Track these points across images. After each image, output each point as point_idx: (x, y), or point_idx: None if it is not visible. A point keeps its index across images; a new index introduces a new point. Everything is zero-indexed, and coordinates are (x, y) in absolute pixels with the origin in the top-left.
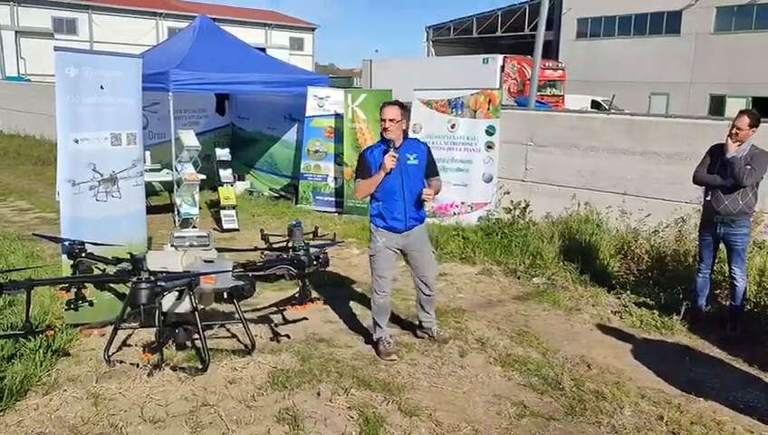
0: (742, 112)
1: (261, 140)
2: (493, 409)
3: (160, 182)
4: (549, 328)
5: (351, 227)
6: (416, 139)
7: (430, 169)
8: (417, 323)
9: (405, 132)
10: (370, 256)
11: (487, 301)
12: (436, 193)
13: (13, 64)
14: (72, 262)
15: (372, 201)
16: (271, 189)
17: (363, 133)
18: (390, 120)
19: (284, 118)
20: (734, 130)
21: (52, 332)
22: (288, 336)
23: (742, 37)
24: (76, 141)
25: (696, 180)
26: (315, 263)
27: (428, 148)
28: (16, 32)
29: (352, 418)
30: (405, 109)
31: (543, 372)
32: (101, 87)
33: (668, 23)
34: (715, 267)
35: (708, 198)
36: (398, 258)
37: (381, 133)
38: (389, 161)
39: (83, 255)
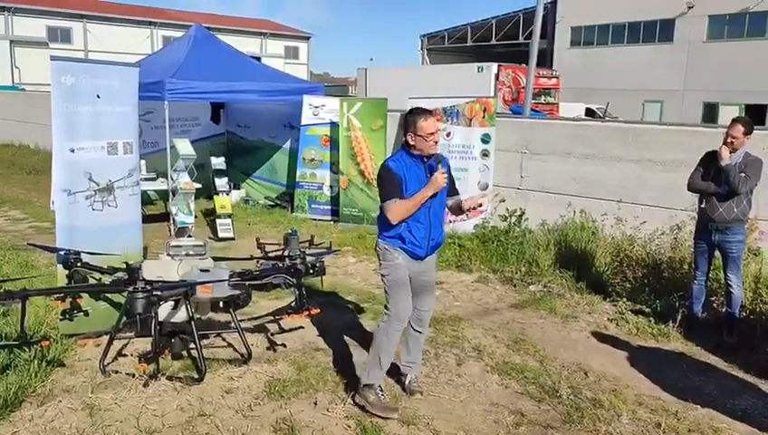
0: (735, 121)
1: (262, 148)
2: (490, 417)
3: (155, 191)
4: (545, 336)
5: (347, 236)
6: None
7: (452, 188)
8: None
9: None
10: (385, 275)
11: (484, 309)
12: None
13: (7, 73)
14: (67, 271)
15: (387, 221)
16: (266, 198)
17: (359, 141)
18: (437, 132)
19: (284, 126)
20: (729, 139)
21: (47, 342)
22: (284, 345)
23: (734, 45)
24: (72, 150)
25: (690, 188)
26: (311, 271)
27: (448, 162)
28: (11, 41)
29: (350, 427)
30: None
31: (540, 380)
32: (98, 96)
33: (662, 31)
34: (710, 274)
35: (703, 206)
36: None
37: (409, 145)
38: (443, 179)
39: (79, 264)
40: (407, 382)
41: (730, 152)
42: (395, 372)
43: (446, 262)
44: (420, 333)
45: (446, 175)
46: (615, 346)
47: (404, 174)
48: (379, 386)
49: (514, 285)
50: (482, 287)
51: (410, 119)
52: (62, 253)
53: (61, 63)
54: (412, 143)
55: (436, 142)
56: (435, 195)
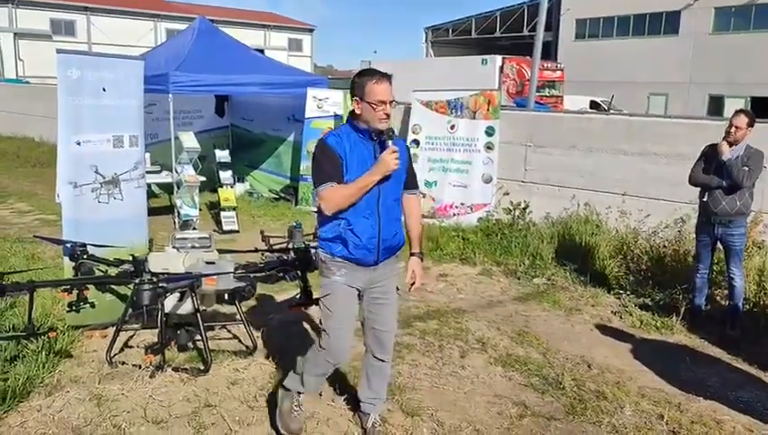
0: (738, 111)
1: (266, 141)
2: (494, 409)
3: (157, 184)
4: (549, 328)
5: None
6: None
7: (410, 179)
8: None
9: None
10: (323, 298)
11: (487, 301)
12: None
13: (11, 66)
14: (73, 264)
15: (324, 215)
16: (270, 191)
17: None
18: (390, 103)
19: (288, 119)
20: (731, 129)
21: (55, 333)
22: (289, 337)
23: (740, 37)
24: (78, 143)
25: (692, 182)
26: (316, 264)
27: (407, 146)
28: (15, 34)
29: (354, 418)
30: None
31: (544, 373)
32: (103, 89)
33: (667, 23)
34: (713, 267)
35: (705, 199)
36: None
37: (354, 118)
38: (393, 160)
39: (85, 256)
40: (368, 424)
41: (731, 144)
42: (356, 405)
43: (450, 255)
44: (383, 361)
45: (397, 156)
46: (618, 339)
47: (345, 153)
48: (297, 400)
49: (518, 278)
50: (486, 280)
51: (358, 81)
52: (68, 245)
53: (67, 57)
54: (358, 112)
55: (388, 115)
56: (385, 181)
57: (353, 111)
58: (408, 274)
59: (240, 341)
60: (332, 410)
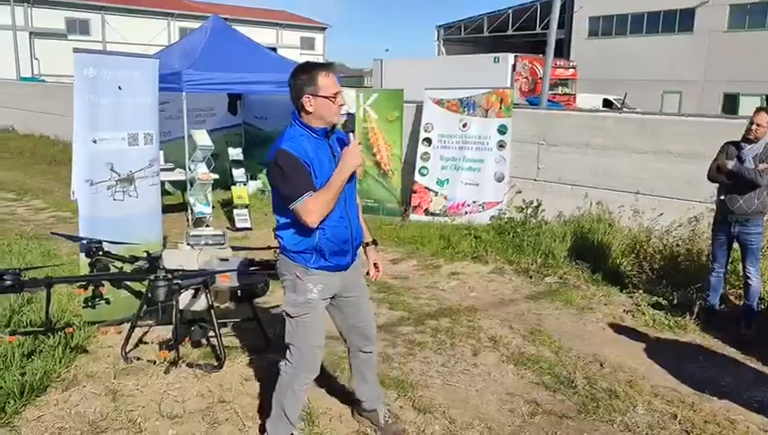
0: (759, 109)
1: None
2: (506, 407)
3: (171, 182)
4: (561, 327)
5: None
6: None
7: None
8: (355, 400)
9: None
10: (293, 317)
11: (499, 300)
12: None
13: (27, 65)
14: (89, 260)
15: (298, 228)
16: None
17: (374, 132)
18: (340, 93)
19: None
20: (753, 127)
21: (71, 329)
22: None
23: (755, 35)
24: (94, 141)
25: (710, 177)
26: None
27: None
28: (30, 33)
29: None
30: None
31: (556, 371)
32: (119, 88)
33: (681, 21)
34: (728, 267)
35: (722, 198)
36: None
37: (302, 115)
38: (359, 153)
39: (101, 253)
40: (381, 421)
41: (751, 142)
42: (355, 407)
43: (462, 253)
44: (370, 353)
45: (360, 148)
46: (631, 338)
47: (309, 158)
48: None
49: (530, 277)
50: (497, 278)
51: (305, 77)
52: (84, 242)
53: (84, 56)
54: (310, 110)
55: (342, 106)
56: (348, 178)
57: (302, 108)
58: (370, 265)
59: (253, 337)
60: (344, 406)
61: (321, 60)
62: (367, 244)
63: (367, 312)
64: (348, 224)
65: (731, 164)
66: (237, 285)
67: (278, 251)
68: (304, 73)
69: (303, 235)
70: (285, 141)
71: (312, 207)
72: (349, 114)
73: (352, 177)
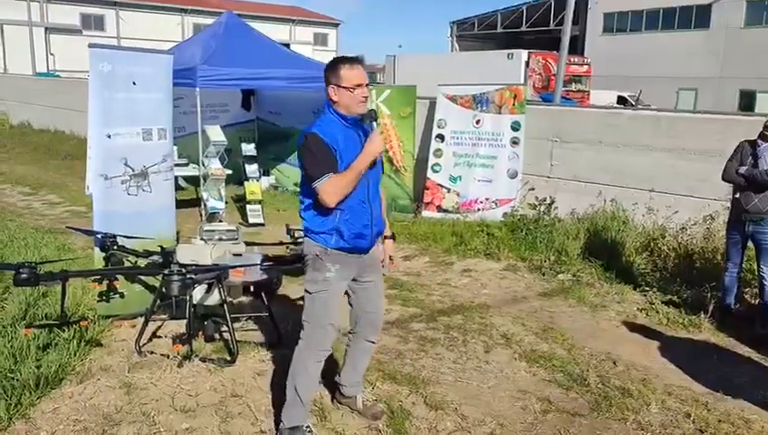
0: None
1: (292, 135)
2: (518, 404)
3: (184, 177)
4: (574, 325)
5: None
6: None
7: (379, 165)
8: (337, 386)
9: None
10: (311, 293)
11: (512, 297)
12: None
13: (42, 60)
14: (103, 254)
15: (319, 209)
16: (296, 184)
17: (387, 129)
18: (366, 85)
19: (314, 113)
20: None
21: (86, 322)
22: None
23: None
24: (109, 136)
25: (724, 177)
26: None
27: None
28: (46, 28)
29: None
30: None
31: (569, 369)
32: (133, 83)
33: (697, 17)
34: (744, 265)
35: (737, 196)
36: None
37: (334, 105)
38: (380, 141)
39: (115, 247)
40: (359, 405)
41: None
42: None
43: (475, 250)
44: (373, 343)
45: (384, 137)
46: (645, 336)
47: (337, 142)
48: (308, 427)
49: (543, 274)
50: (510, 275)
51: (331, 69)
52: (99, 236)
53: (98, 51)
54: (335, 99)
55: (366, 98)
56: (372, 165)
57: (330, 97)
58: (385, 257)
59: (266, 332)
60: None
61: (334, 56)
62: (386, 237)
63: (379, 300)
64: (369, 209)
65: (743, 170)
66: (250, 279)
67: (302, 234)
68: (331, 65)
69: (324, 215)
70: (316, 126)
71: (330, 188)
72: (371, 110)
73: (377, 166)
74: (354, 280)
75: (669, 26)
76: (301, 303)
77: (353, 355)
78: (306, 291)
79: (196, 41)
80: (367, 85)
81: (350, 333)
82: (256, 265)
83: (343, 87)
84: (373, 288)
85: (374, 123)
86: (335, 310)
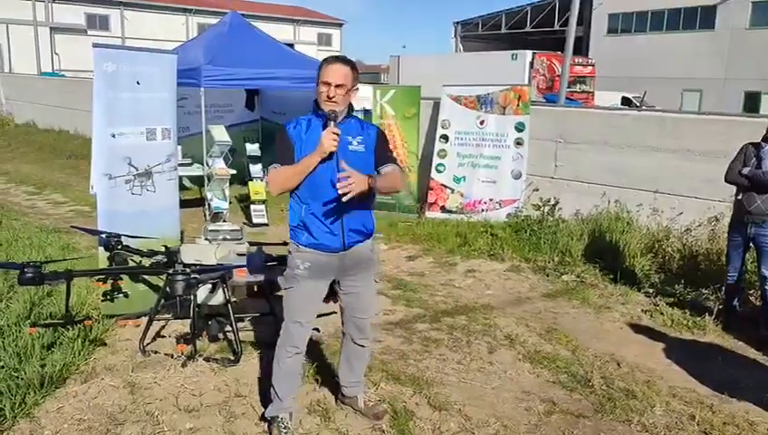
0: None
1: None
2: (522, 405)
3: (189, 177)
4: (578, 326)
5: (379, 223)
6: (361, 118)
7: (380, 156)
8: (338, 386)
9: (351, 106)
10: (285, 289)
11: (516, 298)
12: (388, 188)
13: (48, 60)
14: (108, 254)
15: (293, 203)
16: None
17: (391, 129)
18: (337, 86)
19: None
20: None
21: (90, 322)
22: (318, 330)
23: None
24: (113, 136)
25: (727, 179)
26: None
27: (381, 131)
28: (51, 28)
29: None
30: (357, 72)
31: (572, 370)
32: (138, 83)
33: (702, 18)
34: (748, 267)
35: (740, 197)
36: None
37: (316, 103)
38: (329, 140)
39: (119, 247)
40: (361, 404)
41: None
42: (336, 393)
43: (479, 250)
44: (363, 346)
45: (336, 136)
46: (649, 337)
47: (300, 137)
48: (283, 420)
49: (547, 275)
50: (514, 276)
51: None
52: (103, 236)
53: (103, 51)
54: (316, 95)
55: (330, 98)
56: (345, 163)
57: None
58: (350, 173)
59: (270, 332)
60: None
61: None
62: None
63: (366, 306)
64: (336, 208)
65: (746, 171)
66: (254, 279)
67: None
68: (320, 63)
69: (294, 209)
70: (291, 119)
71: (273, 177)
72: (331, 111)
73: (358, 165)
74: (338, 283)
75: (674, 27)
76: None
77: (346, 356)
78: (283, 288)
79: (201, 41)
80: (339, 86)
81: (342, 333)
82: (260, 264)
83: (317, 83)
84: (358, 293)
85: (331, 122)
86: (304, 309)
